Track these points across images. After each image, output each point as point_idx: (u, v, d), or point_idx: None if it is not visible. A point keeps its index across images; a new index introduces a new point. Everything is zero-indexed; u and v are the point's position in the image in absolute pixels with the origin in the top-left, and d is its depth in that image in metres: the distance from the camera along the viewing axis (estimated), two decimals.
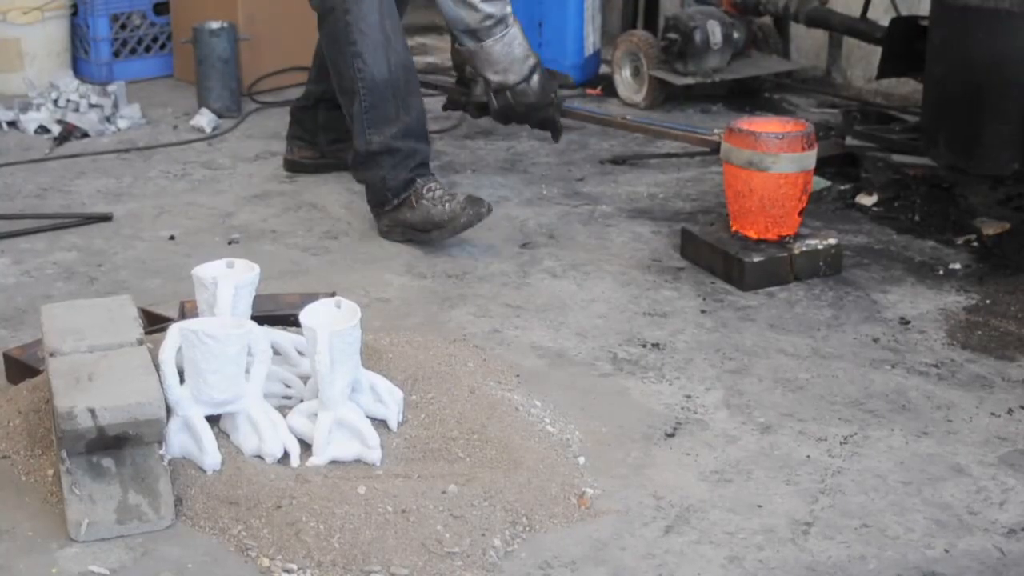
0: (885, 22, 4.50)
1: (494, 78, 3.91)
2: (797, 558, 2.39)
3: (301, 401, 2.70)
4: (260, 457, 2.56)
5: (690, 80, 4.99)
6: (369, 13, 3.58)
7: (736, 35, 5.05)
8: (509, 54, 3.79)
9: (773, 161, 3.47)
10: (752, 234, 3.55)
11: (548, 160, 4.04)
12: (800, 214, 3.54)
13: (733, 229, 3.59)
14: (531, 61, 3.86)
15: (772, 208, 3.50)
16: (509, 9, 3.80)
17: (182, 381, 2.53)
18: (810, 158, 3.51)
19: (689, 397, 2.95)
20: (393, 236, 3.75)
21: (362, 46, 3.59)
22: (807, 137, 3.51)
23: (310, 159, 4.31)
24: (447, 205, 3.63)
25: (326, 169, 4.28)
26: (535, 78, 3.89)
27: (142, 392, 2.40)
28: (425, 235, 3.67)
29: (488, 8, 3.72)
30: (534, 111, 3.99)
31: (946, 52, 3.79)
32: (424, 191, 3.67)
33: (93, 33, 5.40)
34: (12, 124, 4.87)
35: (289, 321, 2.90)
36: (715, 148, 4.05)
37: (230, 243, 3.82)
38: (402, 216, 3.70)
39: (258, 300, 2.80)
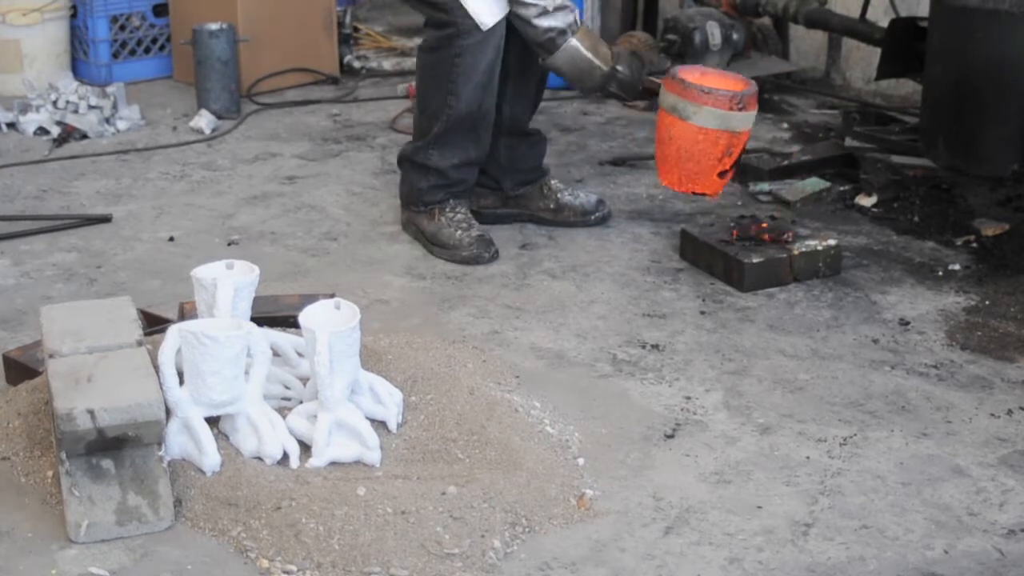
0: (884, 23, 4.50)
1: (578, 85, 3.83)
2: (797, 559, 2.39)
3: (301, 402, 2.70)
4: (260, 458, 2.56)
5: None
6: (480, 60, 3.58)
7: (735, 36, 5.04)
8: (574, 67, 3.66)
9: (694, 112, 3.38)
10: (667, 184, 3.49)
11: (547, 161, 4.04)
12: (720, 176, 3.45)
13: (659, 178, 3.54)
14: (597, 73, 3.68)
15: (687, 161, 3.42)
16: (572, 18, 3.63)
17: (181, 382, 2.53)
18: (737, 120, 3.38)
19: (689, 398, 2.95)
20: (407, 231, 3.87)
21: (461, 86, 3.59)
22: (740, 98, 3.37)
23: (490, 208, 3.94)
24: (459, 233, 3.69)
25: (507, 220, 3.94)
26: (614, 84, 3.73)
27: (141, 393, 2.40)
28: (430, 246, 3.75)
29: (545, 23, 3.60)
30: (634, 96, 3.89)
31: (946, 53, 3.80)
32: (447, 210, 3.74)
33: (92, 34, 5.39)
34: (11, 125, 4.86)
35: (289, 322, 2.90)
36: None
37: (229, 244, 3.82)
38: (420, 221, 3.78)
39: (258, 301, 2.80)
